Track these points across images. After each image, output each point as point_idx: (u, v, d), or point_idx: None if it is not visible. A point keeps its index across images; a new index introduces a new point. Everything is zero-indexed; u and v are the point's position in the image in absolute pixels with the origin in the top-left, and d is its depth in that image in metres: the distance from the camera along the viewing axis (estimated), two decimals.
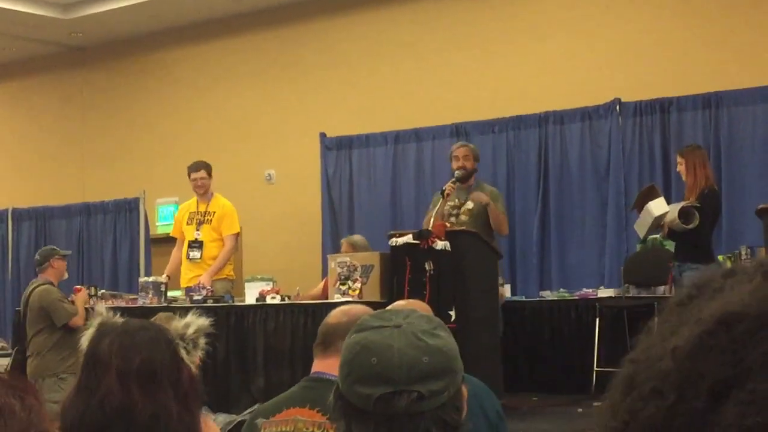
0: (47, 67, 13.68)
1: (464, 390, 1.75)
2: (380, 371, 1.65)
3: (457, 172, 7.95)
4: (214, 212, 9.24)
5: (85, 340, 2.48)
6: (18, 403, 1.37)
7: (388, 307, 3.75)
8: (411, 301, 4.44)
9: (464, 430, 1.72)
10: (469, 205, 7.91)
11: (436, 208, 7.60)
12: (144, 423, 2.19)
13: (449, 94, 10.52)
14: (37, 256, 8.94)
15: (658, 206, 7.28)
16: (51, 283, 8.63)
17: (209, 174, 9.20)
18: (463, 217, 7.88)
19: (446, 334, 1.74)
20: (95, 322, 2.50)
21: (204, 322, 2.72)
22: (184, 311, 3.02)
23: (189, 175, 9.27)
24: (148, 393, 2.22)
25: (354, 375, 1.67)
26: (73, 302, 8.52)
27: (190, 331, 2.68)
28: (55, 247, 9.20)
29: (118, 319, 2.56)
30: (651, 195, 7.47)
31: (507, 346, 7.86)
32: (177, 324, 2.67)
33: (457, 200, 7.88)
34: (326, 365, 2.95)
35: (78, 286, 9.16)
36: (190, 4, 11.63)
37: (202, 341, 2.73)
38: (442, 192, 7.67)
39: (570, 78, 9.86)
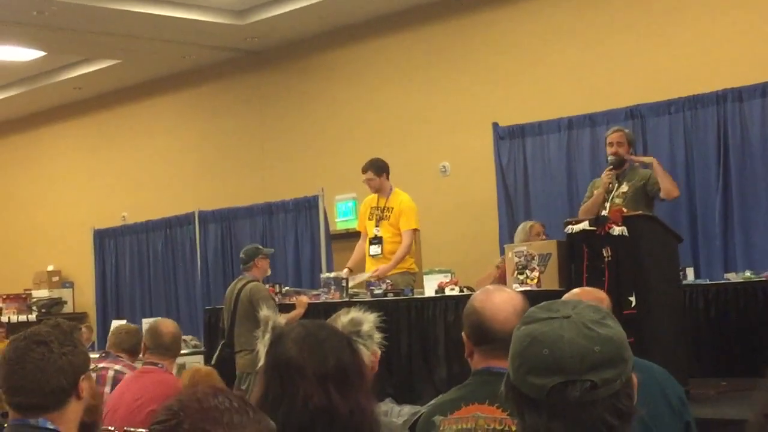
0: (225, 72, 14.10)
1: (635, 378, 1.75)
2: (552, 362, 1.67)
3: (610, 158, 7.96)
4: (393, 208, 9.35)
5: (261, 345, 2.54)
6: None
7: (563, 297, 3.74)
8: (586, 288, 4.42)
9: (638, 417, 1.73)
10: (624, 188, 7.86)
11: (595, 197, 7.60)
12: (343, 421, 2.25)
13: (622, 77, 10.35)
14: (242, 255, 9.28)
15: None
16: (257, 281, 8.99)
17: (377, 173, 9.30)
18: (617, 201, 7.82)
19: (614, 323, 1.75)
20: (266, 326, 2.56)
21: (373, 316, 2.78)
22: (365, 306, 3.08)
23: None
24: (343, 392, 2.29)
25: (526, 366, 1.70)
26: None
27: (365, 327, 2.75)
28: (259, 246, 9.52)
29: (281, 318, 2.63)
30: None
31: (693, 330, 7.70)
32: (342, 320, 2.73)
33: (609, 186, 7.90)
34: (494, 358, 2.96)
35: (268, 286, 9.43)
36: (357, 4, 11.80)
37: (377, 335, 2.79)
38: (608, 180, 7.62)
39: (747, 53, 9.55)
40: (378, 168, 9.37)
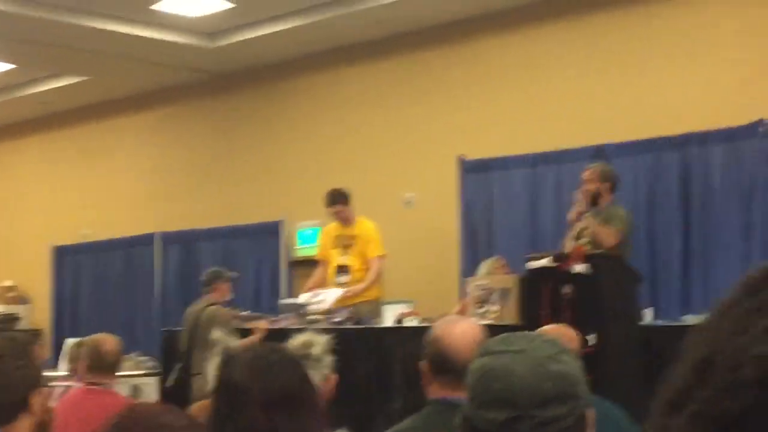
0: (192, 94, 14.07)
1: (590, 415, 1.75)
2: (503, 396, 1.67)
3: (577, 195, 8.04)
4: (358, 236, 9.34)
5: (211, 367, 2.52)
6: None
7: (538, 331, 3.74)
8: (558, 326, 4.44)
9: None
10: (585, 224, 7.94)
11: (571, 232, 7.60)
12: None
13: (589, 115, 10.42)
14: (204, 277, 9.21)
15: None
16: (217, 304, 8.91)
17: (344, 203, 9.29)
18: (585, 239, 7.87)
19: (570, 359, 1.74)
20: (217, 349, 2.54)
21: (325, 339, 2.75)
22: (324, 333, 3.06)
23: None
24: (290, 417, 2.26)
25: (478, 399, 1.70)
26: None
27: (316, 350, 2.72)
28: (221, 270, 9.46)
29: (234, 341, 2.61)
30: None
31: (650, 371, 7.72)
32: (295, 342, 2.71)
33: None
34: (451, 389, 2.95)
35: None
36: (332, 30, 11.82)
37: (328, 359, 2.77)
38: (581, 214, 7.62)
39: (712, 98, 9.66)
40: (344, 199, 9.36)
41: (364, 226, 9.40)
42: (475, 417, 1.69)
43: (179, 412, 1.47)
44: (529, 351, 1.71)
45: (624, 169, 9.46)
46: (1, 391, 2.85)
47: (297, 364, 2.39)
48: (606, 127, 10.10)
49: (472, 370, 1.75)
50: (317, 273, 9.72)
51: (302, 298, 9.21)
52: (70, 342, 9.16)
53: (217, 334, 2.35)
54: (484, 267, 9.01)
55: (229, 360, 2.39)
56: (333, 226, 9.55)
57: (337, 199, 9.32)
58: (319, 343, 2.71)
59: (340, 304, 9.05)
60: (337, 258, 9.39)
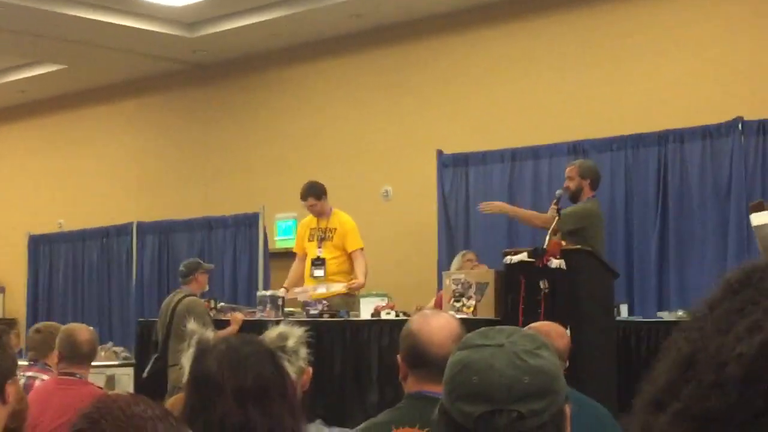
0: (171, 84, 14.02)
1: (567, 410, 1.75)
2: (481, 390, 1.67)
3: (557, 191, 8.01)
4: (335, 228, 9.30)
5: (186, 359, 2.50)
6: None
7: (529, 326, 3.76)
8: (549, 323, 4.46)
9: None
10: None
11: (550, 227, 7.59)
12: None
13: (567, 112, 10.46)
14: (182, 268, 9.16)
15: (758, 217, 7.08)
16: (194, 295, 8.88)
17: (318, 197, 9.24)
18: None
19: (549, 354, 1.75)
20: (192, 340, 2.52)
21: (300, 331, 2.74)
22: (302, 325, 3.04)
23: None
24: (263, 409, 2.25)
25: (456, 393, 1.70)
26: None
27: (290, 342, 2.71)
28: (200, 261, 9.43)
29: (210, 333, 2.59)
30: (758, 209, 7.26)
31: (623, 366, 7.75)
32: (270, 334, 2.69)
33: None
34: (428, 382, 2.96)
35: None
36: (311, 23, 11.81)
37: (303, 351, 2.75)
38: (558, 211, 7.63)
39: (690, 96, 9.71)
40: (317, 192, 9.28)
41: (341, 219, 9.36)
42: (453, 410, 1.70)
43: (151, 402, 1.46)
44: (507, 345, 1.71)
45: (601, 166, 9.46)
46: None
47: (271, 355, 2.38)
48: (584, 124, 10.14)
49: (450, 364, 1.75)
50: (294, 266, 9.68)
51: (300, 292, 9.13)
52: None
53: (192, 325, 2.33)
54: (455, 261, 9.06)
55: (202, 352, 2.37)
56: (309, 219, 9.51)
57: (311, 192, 9.26)
58: (294, 335, 2.69)
59: (315, 296, 9.04)
60: (313, 251, 9.35)
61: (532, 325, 4.18)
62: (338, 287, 9.02)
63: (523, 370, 1.68)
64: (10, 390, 2.93)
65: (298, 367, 2.67)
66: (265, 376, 2.29)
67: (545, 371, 1.71)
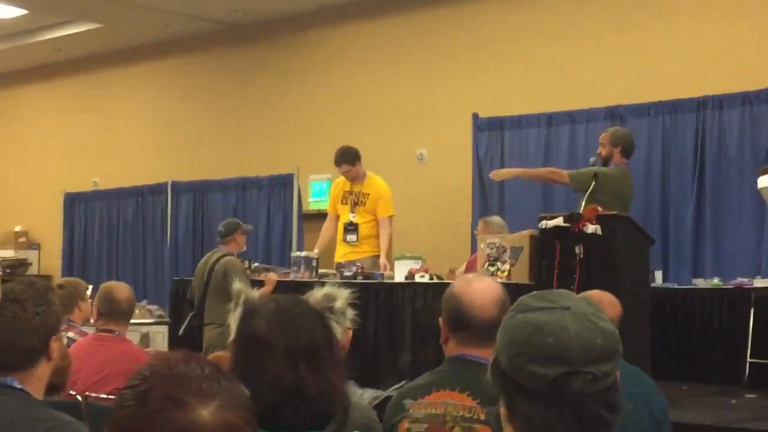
0: (207, 44, 14.02)
1: (618, 374, 1.76)
2: (557, 352, 1.66)
3: (591, 159, 8.00)
4: (368, 194, 9.29)
5: (233, 319, 2.50)
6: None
7: (582, 295, 3.74)
8: (599, 291, 4.45)
9: (624, 413, 1.72)
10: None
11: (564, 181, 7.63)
12: (313, 398, 2.23)
13: (604, 76, 10.38)
14: (221, 228, 9.20)
15: (764, 180, 7.03)
16: (232, 255, 8.93)
17: (351, 163, 9.20)
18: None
19: (607, 318, 1.75)
20: (238, 300, 2.52)
21: (346, 292, 2.75)
22: (329, 285, 3.05)
23: None
24: (314, 369, 2.26)
25: (527, 355, 1.68)
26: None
27: (338, 303, 2.72)
28: (239, 222, 9.45)
29: (255, 293, 2.60)
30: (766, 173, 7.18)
31: (657, 333, 7.74)
32: (315, 295, 2.70)
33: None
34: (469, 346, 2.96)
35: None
36: None
37: (350, 312, 2.76)
38: (596, 176, 7.58)
39: (730, 61, 9.60)
40: (351, 158, 9.25)
41: (375, 184, 9.33)
42: (520, 372, 1.68)
43: (203, 361, 1.47)
44: (574, 308, 1.70)
45: (638, 131, 9.40)
46: (21, 336, 2.87)
47: (320, 316, 2.38)
48: (621, 89, 10.06)
49: (516, 325, 1.73)
50: (325, 226, 9.67)
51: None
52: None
53: (238, 285, 2.34)
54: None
55: (250, 311, 2.37)
56: (343, 180, 9.49)
57: (344, 158, 9.22)
58: (342, 296, 2.70)
59: (345, 258, 9.07)
60: (346, 215, 9.35)
61: (585, 293, 4.15)
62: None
63: (595, 332, 1.68)
64: (54, 346, 2.97)
65: (343, 328, 2.68)
66: (315, 337, 2.30)
67: (612, 334, 1.71)
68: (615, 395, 1.70)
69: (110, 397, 5.23)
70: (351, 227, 9.27)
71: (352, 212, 9.30)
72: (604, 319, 1.72)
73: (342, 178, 9.48)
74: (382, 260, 9.01)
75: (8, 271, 14.80)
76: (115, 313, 5.72)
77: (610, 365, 1.68)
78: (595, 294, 4.21)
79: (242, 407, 1.44)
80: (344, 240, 9.29)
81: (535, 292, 1.78)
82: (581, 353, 1.65)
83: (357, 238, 9.20)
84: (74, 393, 4.99)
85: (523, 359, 1.68)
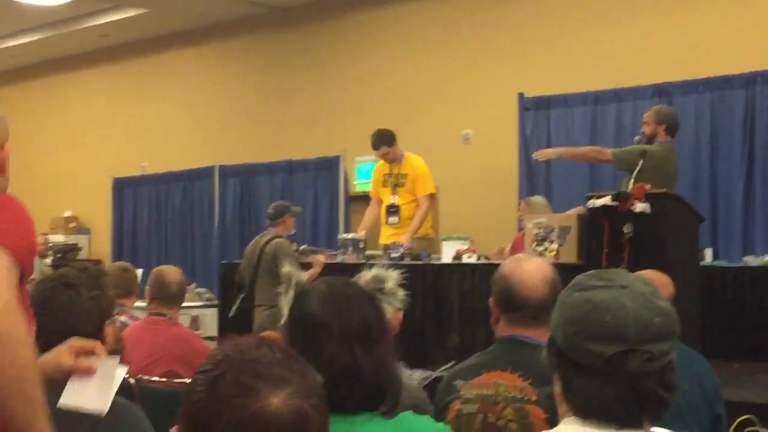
0: (252, 28, 14.05)
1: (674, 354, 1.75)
2: (614, 330, 1.66)
3: (635, 137, 7.97)
4: (407, 174, 9.33)
5: (284, 301, 2.52)
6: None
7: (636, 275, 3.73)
8: (652, 271, 4.43)
9: (679, 393, 1.72)
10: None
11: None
12: (367, 380, 2.24)
13: (651, 53, 10.27)
14: (271, 210, 9.25)
15: None
16: (281, 237, 8.98)
17: (389, 144, 9.27)
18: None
19: (664, 298, 1.75)
20: (290, 283, 2.54)
21: (396, 274, 2.76)
22: (378, 267, 3.06)
23: None
24: (368, 350, 2.27)
25: (584, 332, 1.68)
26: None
27: (389, 284, 2.73)
28: (289, 204, 9.50)
29: (304, 275, 2.61)
30: None
31: (708, 312, 7.68)
32: (365, 277, 2.71)
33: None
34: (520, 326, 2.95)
35: None
36: None
37: (400, 293, 2.77)
38: (643, 154, 7.52)
39: None
40: (388, 140, 9.30)
41: (413, 163, 9.36)
42: (577, 350, 1.68)
43: (274, 345, 1.48)
44: (631, 287, 1.70)
45: (686, 108, 9.33)
46: (75, 320, 2.90)
47: (371, 298, 2.40)
48: (668, 65, 9.96)
49: (574, 303, 1.73)
50: (368, 211, 9.75)
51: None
52: None
53: (288, 267, 2.34)
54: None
55: (303, 294, 2.39)
56: (382, 164, 9.54)
57: (382, 141, 9.27)
58: (392, 277, 2.71)
59: (390, 240, 9.09)
60: (388, 198, 9.40)
61: (637, 273, 4.13)
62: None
63: (653, 312, 1.68)
64: (108, 330, 3.01)
65: (394, 309, 2.69)
66: (368, 318, 2.32)
67: (670, 313, 1.70)
68: (672, 374, 1.70)
69: (162, 379, 5.29)
70: (393, 209, 9.32)
71: (393, 194, 9.34)
72: (662, 298, 1.72)
73: (382, 162, 9.53)
74: (404, 237, 9.03)
75: (59, 255, 14.97)
76: (166, 296, 5.77)
77: (667, 344, 1.68)
78: (648, 273, 4.19)
79: (314, 394, 1.45)
80: (387, 222, 9.35)
81: (591, 271, 1.78)
82: (639, 332, 1.65)
83: (398, 220, 9.24)
84: (127, 376, 5.04)
85: (580, 337, 1.68)
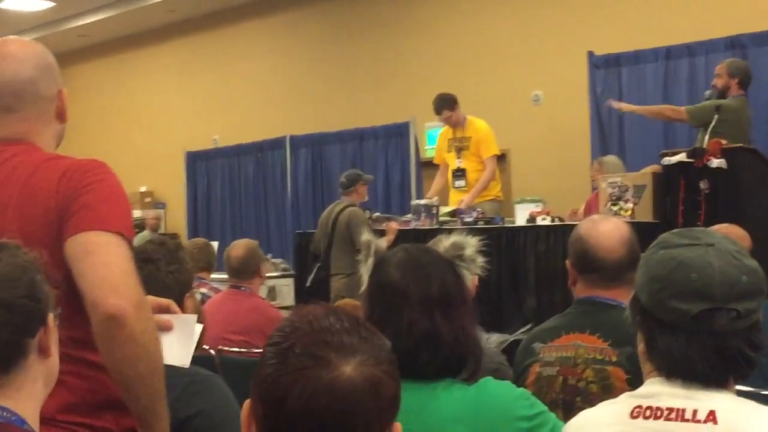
0: None
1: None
2: (700, 288, 1.64)
3: (706, 92, 7.83)
4: (471, 137, 9.32)
5: (364, 269, 2.53)
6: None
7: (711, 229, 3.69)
8: (727, 225, 4.37)
9: (765, 352, 1.70)
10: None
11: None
12: (448, 346, 2.25)
13: (723, 5, 10.07)
14: (343, 179, 9.29)
15: None
16: (354, 206, 9.02)
17: (451, 108, 9.27)
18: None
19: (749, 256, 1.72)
20: (369, 250, 2.54)
21: (475, 240, 2.75)
22: (457, 233, 3.06)
23: None
24: (447, 316, 2.28)
25: (669, 290, 1.66)
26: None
27: (468, 251, 2.73)
28: (360, 172, 9.53)
29: (383, 242, 2.62)
30: None
31: None
32: (444, 243, 2.71)
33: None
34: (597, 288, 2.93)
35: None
36: None
37: (479, 259, 2.77)
38: (718, 109, 7.41)
39: None
40: (450, 103, 9.30)
41: (475, 126, 9.34)
42: (662, 308, 1.66)
43: (343, 314, 1.48)
44: (717, 245, 1.68)
45: (761, 60, 9.13)
46: (156, 295, 2.94)
47: (450, 264, 2.40)
48: (742, 16, 9.76)
49: (659, 261, 1.71)
50: (437, 178, 9.77)
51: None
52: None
53: (366, 235, 2.36)
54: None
55: (383, 261, 2.40)
56: (446, 130, 9.55)
57: (444, 105, 9.27)
58: (471, 244, 2.71)
59: (464, 204, 9.07)
60: (453, 162, 9.39)
61: (714, 227, 4.07)
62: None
63: (740, 270, 1.65)
64: (188, 303, 3.05)
65: (473, 274, 2.69)
66: (447, 284, 2.32)
67: (758, 272, 1.68)
68: (759, 333, 1.68)
69: (241, 350, 5.36)
70: (459, 173, 9.32)
71: (459, 158, 9.34)
72: (748, 256, 1.69)
73: (445, 128, 9.55)
74: (467, 197, 9.02)
75: (136, 230, 15.17)
76: (231, 270, 5.91)
77: (754, 303, 1.65)
78: (723, 227, 4.13)
79: (385, 360, 1.45)
80: (454, 186, 9.35)
81: (677, 229, 1.75)
82: (725, 290, 1.63)
83: (465, 183, 9.24)
84: (207, 347, 5.13)
85: (665, 295, 1.66)
